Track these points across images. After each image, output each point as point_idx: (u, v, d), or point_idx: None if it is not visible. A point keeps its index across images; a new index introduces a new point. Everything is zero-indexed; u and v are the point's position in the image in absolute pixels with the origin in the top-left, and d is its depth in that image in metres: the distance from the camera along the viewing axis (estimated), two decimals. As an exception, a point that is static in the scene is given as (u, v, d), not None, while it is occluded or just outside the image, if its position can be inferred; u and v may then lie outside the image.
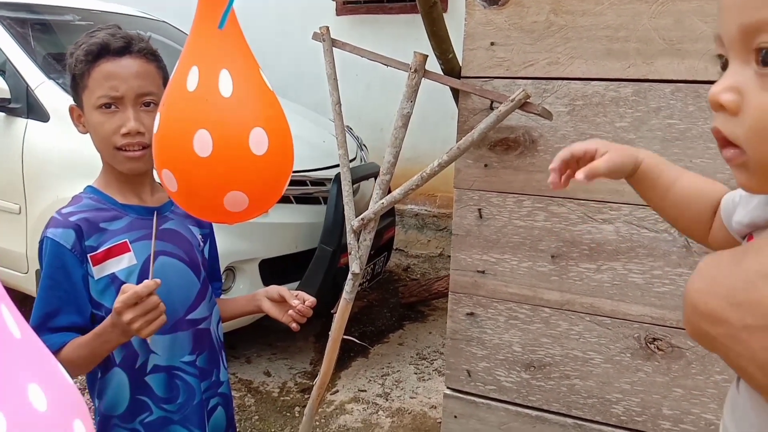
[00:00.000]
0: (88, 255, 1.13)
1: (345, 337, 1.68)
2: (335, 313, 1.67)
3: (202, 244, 1.32)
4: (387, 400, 2.80)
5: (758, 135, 0.52)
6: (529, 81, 1.45)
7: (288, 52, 4.87)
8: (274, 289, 1.32)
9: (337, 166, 3.14)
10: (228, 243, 2.50)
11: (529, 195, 1.50)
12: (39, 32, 3.47)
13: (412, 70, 1.50)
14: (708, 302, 0.55)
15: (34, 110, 2.88)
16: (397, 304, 3.87)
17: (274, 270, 2.80)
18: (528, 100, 1.36)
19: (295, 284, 2.87)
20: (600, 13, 1.36)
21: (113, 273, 1.15)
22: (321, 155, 3.13)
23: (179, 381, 1.22)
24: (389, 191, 1.67)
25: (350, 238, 1.57)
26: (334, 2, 4.97)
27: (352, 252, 1.58)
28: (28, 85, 2.90)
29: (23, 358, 0.48)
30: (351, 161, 3.40)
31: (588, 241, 1.46)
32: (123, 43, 1.12)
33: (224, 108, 0.83)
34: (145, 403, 1.19)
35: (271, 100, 0.89)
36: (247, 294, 1.43)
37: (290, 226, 2.87)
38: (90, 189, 1.21)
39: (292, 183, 2.96)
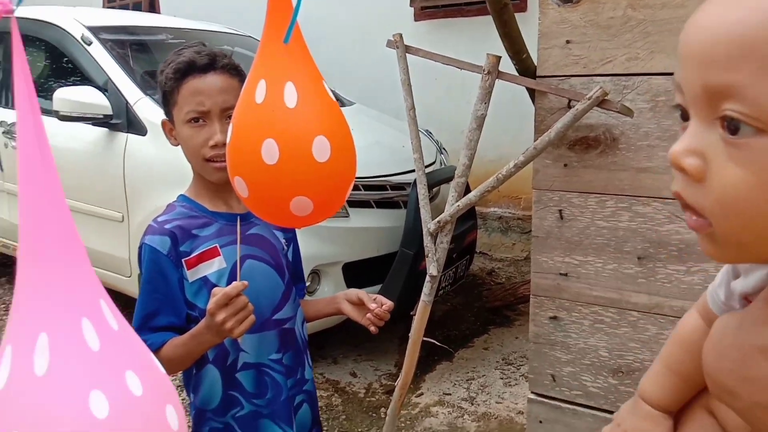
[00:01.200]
0: (183, 260, 1.21)
1: (425, 339, 1.69)
2: (414, 315, 1.68)
3: (285, 247, 1.37)
4: (472, 404, 2.78)
5: (725, 209, 0.46)
6: (608, 78, 1.40)
7: (367, 59, 4.95)
8: (354, 292, 1.36)
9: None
10: (313, 247, 2.58)
11: (611, 194, 1.46)
12: (136, 52, 3.73)
13: (485, 72, 1.49)
14: (719, 376, 0.52)
15: (133, 125, 3.09)
16: (481, 308, 3.83)
17: (356, 273, 2.86)
18: (606, 98, 1.32)
19: (377, 287, 2.91)
20: (680, 5, 1.30)
21: (205, 276, 1.22)
22: (400, 160, 3.16)
23: (267, 378, 1.28)
24: (466, 193, 1.66)
25: (427, 241, 1.59)
26: (412, 8, 5.00)
27: (429, 254, 1.59)
28: (127, 102, 3.12)
29: (121, 347, 0.55)
30: (430, 165, 3.41)
31: (677, 241, 1.39)
32: (208, 60, 1.19)
33: (289, 118, 0.87)
34: (236, 398, 1.26)
35: (334, 109, 0.93)
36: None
37: (372, 230, 2.92)
38: (182, 197, 1.29)
39: (373, 188, 3.03)
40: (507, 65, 1.53)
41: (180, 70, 1.18)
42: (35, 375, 0.50)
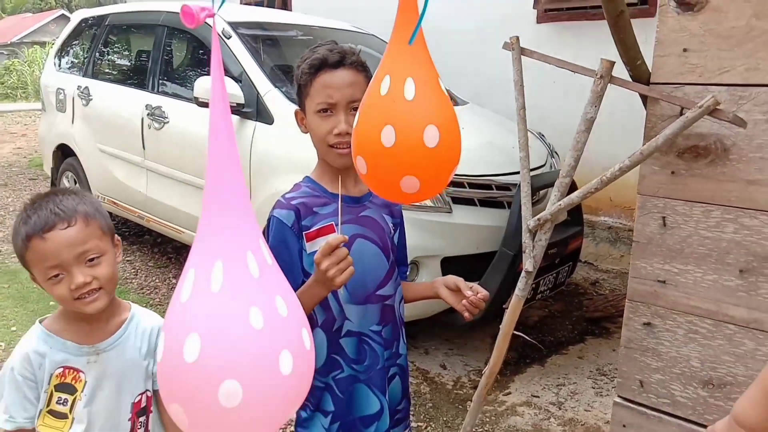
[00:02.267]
0: (304, 233, 1.36)
1: (516, 333, 1.75)
2: (506, 308, 1.74)
3: (393, 231, 1.49)
4: (560, 408, 2.78)
5: None
6: (724, 88, 1.39)
7: (487, 59, 4.97)
8: (452, 279, 1.45)
9: (525, 172, 3.18)
10: (415, 238, 2.68)
11: (718, 205, 1.44)
12: (268, 46, 4.02)
13: (598, 77, 1.52)
14: None
15: (262, 114, 3.36)
16: (580, 317, 3.78)
17: (454, 268, 2.93)
18: (719, 107, 1.31)
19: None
20: (809, 15, 1.27)
21: None
22: (508, 161, 3.19)
23: (367, 346, 1.41)
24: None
25: (525, 237, 1.64)
26: (536, 10, 4.97)
27: (527, 250, 1.65)
28: (258, 93, 3.39)
29: (273, 277, 0.72)
30: (540, 168, 3.42)
31: (784, 257, 1.36)
32: (338, 57, 1.33)
33: (407, 109, 1.02)
34: (338, 361, 1.40)
35: (446, 103, 1.07)
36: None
37: (473, 227, 2.98)
38: (307, 179, 1.44)
39: (478, 186, 3.10)
40: (623, 72, 1.55)
41: (314, 66, 1.33)
42: (211, 291, 0.68)
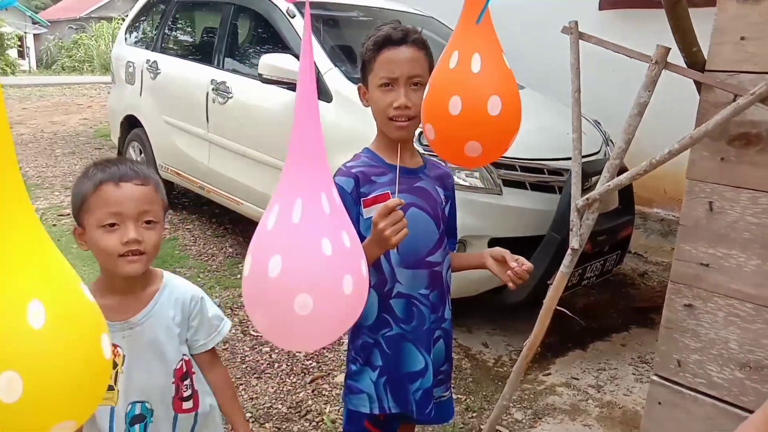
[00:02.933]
0: (362, 199, 1.47)
1: (558, 308, 1.81)
2: (551, 284, 1.81)
3: (444, 203, 1.58)
4: (599, 391, 2.82)
5: None
6: (779, 75, 1.41)
7: (548, 45, 4.90)
8: (498, 250, 1.54)
9: (578, 159, 3.21)
10: (464, 218, 2.75)
11: (766, 192, 1.47)
12: (329, 26, 4.13)
13: (653, 62, 1.56)
14: None
15: (322, 92, 3.47)
16: (626, 307, 3.78)
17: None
18: (772, 94, 1.34)
19: (522, 267, 3.03)
20: None
21: None
22: (562, 146, 3.21)
23: (415, 308, 1.51)
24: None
25: (573, 216, 1.70)
26: (598, -2, 4.92)
27: (574, 228, 1.71)
28: (319, 71, 3.51)
29: (339, 216, 0.91)
30: (594, 154, 3.43)
31: (830, 245, 1.38)
32: (401, 35, 1.43)
33: (472, 80, 1.15)
34: (387, 320, 1.51)
35: (508, 76, 1.19)
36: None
37: (523, 210, 3.03)
38: (366, 150, 1.55)
39: (530, 170, 3.14)
40: (679, 60, 1.58)
41: (378, 43, 1.43)
42: (292, 223, 0.84)
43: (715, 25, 1.51)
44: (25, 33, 25.06)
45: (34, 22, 31.68)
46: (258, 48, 4.29)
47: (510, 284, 1.50)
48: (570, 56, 1.77)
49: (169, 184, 5.07)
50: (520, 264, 1.49)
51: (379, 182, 1.49)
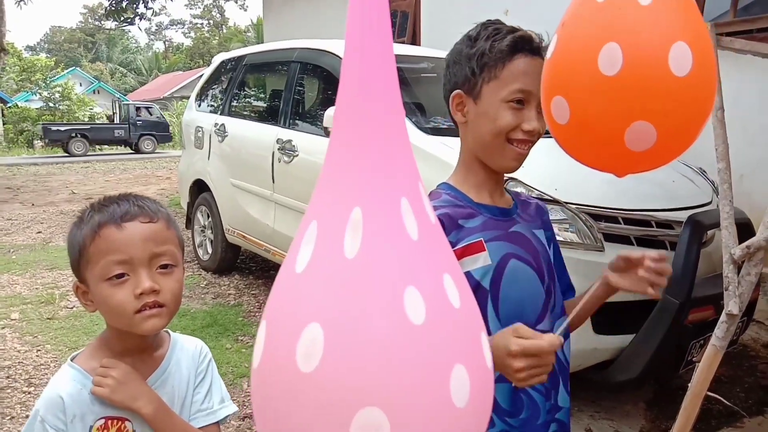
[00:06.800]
0: None
1: (710, 394, 1.37)
2: (697, 362, 1.37)
3: (547, 248, 1.21)
4: (743, 496, 2.25)
5: None
6: None
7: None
8: (616, 259, 1.11)
9: (687, 208, 2.76)
10: (561, 278, 2.36)
11: None
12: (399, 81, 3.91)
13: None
14: None
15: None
16: (754, 384, 3.19)
17: (608, 316, 2.53)
18: None
19: (630, 337, 2.56)
20: None
21: (468, 271, 1.10)
22: (668, 196, 2.79)
23: (524, 395, 1.12)
24: None
25: (728, 270, 1.28)
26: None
27: (730, 287, 1.28)
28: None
29: (439, 243, 0.45)
30: (706, 205, 2.97)
31: None
32: (538, 43, 1.08)
33: (641, 18, 0.69)
34: None
35: (694, 11, 0.72)
36: None
37: (630, 269, 2.58)
38: (445, 185, 1.20)
39: (635, 222, 2.70)
40: None
41: (516, 45, 1.07)
42: (344, 257, 0.41)
43: None
44: (114, 113, 26.94)
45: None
46: (324, 105, 4.13)
47: (650, 291, 1.05)
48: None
49: (235, 248, 4.92)
50: (651, 258, 1.04)
51: (468, 227, 1.12)
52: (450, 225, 1.10)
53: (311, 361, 0.39)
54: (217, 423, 1.14)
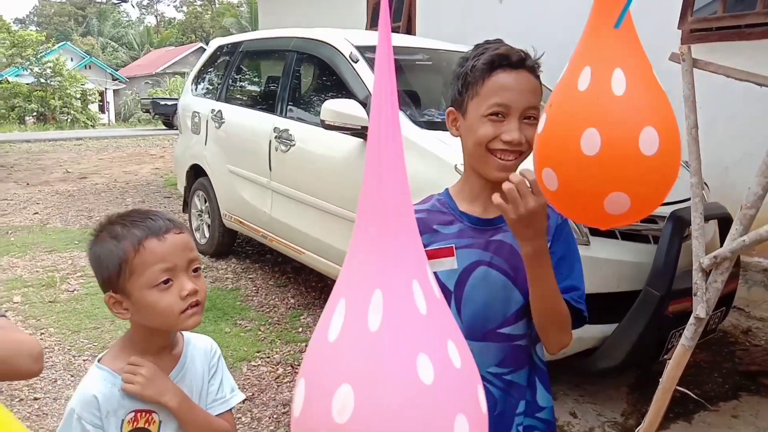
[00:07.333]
0: None
1: (679, 388, 1.49)
2: (668, 359, 1.49)
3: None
4: (714, 476, 2.41)
5: None
6: None
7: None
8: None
9: (671, 203, 2.86)
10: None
11: None
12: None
13: (799, 89, 1.27)
14: None
15: (387, 136, 3.28)
16: (732, 370, 3.33)
17: (591, 307, 2.65)
18: None
19: (613, 326, 2.68)
20: None
21: (434, 273, 1.20)
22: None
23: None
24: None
25: (697, 278, 1.40)
26: (680, 30, 4.60)
27: (698, 293, 1.40)
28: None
29: (443, 315, 0.57)
30: (688, 200, 3.07)
31: None
32: (520, 56, 1.17)
33: (616, 106, 0.82)
34: None
35: (663, 98, 0.85)
36: None
37: (614, 263, 2.70)
38: (444, 192, 1.29)
39: (621, 218, 2.80)
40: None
41: (492, 62, 1.16)
42: (368, 330, 0.53)
43: None
44: (106, 89, 26.72)
45: (114, 79, 33.77)
46: (321, 95, 4.19)
47: (495, 199, 1.08)
48: (683, 87, 1.50)
49: (232, 233, 5.01)
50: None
51: (444, 233, 1.22)
52: (423, 228, 1.19)
53: (344, 415, 0.52)
54: (230, 410, 1.28)
